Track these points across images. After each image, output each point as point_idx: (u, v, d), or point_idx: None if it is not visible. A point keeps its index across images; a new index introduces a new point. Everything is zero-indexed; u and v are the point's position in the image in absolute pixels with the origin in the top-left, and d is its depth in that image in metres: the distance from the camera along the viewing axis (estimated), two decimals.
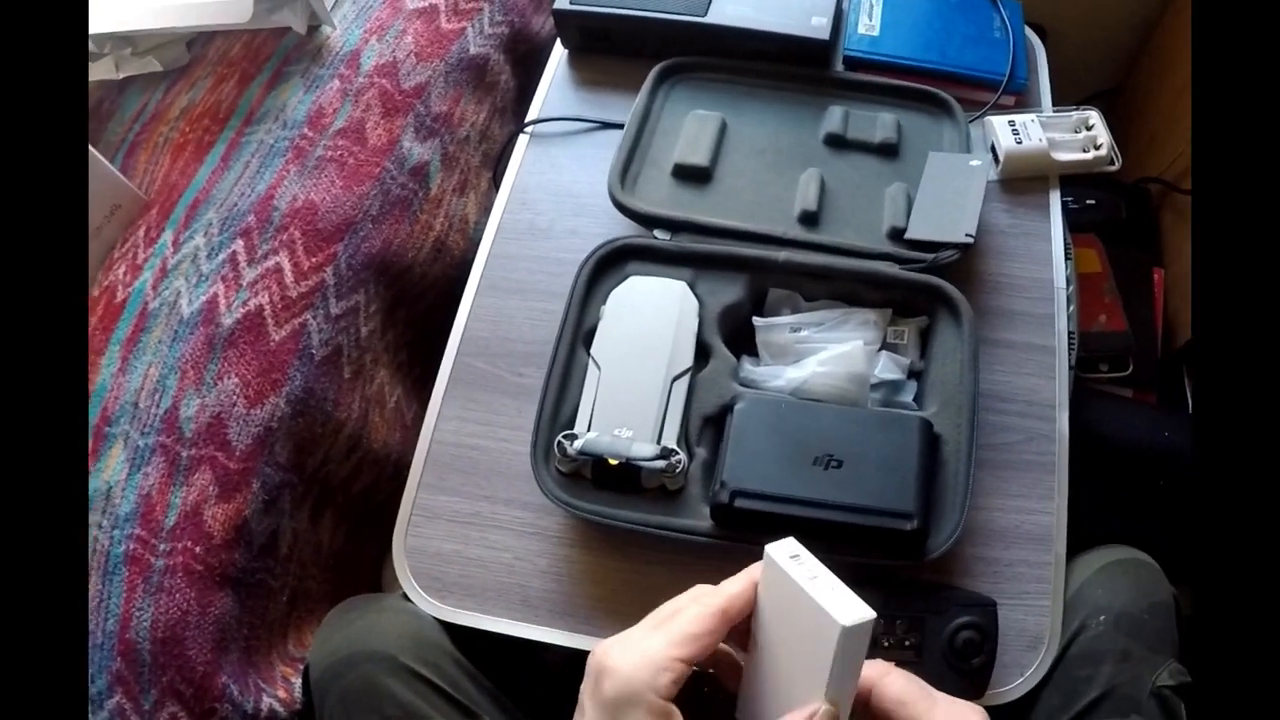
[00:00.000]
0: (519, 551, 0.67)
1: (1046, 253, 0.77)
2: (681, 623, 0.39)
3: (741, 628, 0.42)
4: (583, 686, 0.40)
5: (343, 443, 0.77)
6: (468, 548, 0.68)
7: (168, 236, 0.78)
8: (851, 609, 0.36)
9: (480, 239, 0.81)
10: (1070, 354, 0.74)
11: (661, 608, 0.43)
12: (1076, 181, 0.88)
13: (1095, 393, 0.91)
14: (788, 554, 0.39)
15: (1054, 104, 0.87)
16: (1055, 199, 0.80)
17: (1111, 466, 0.82)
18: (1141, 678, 0.61)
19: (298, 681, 0.69)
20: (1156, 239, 1.05)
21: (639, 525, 0.61)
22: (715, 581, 0.44)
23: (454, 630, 0.65)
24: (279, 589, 0.72)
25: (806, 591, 0.37)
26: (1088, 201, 1.03)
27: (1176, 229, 1.02)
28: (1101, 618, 0.63)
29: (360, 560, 0.86)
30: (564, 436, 0.62)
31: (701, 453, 0.63)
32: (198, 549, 0.64)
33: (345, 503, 0.80)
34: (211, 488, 0.66)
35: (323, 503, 0.77)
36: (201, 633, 0.63)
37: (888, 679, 0.40)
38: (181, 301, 0.73)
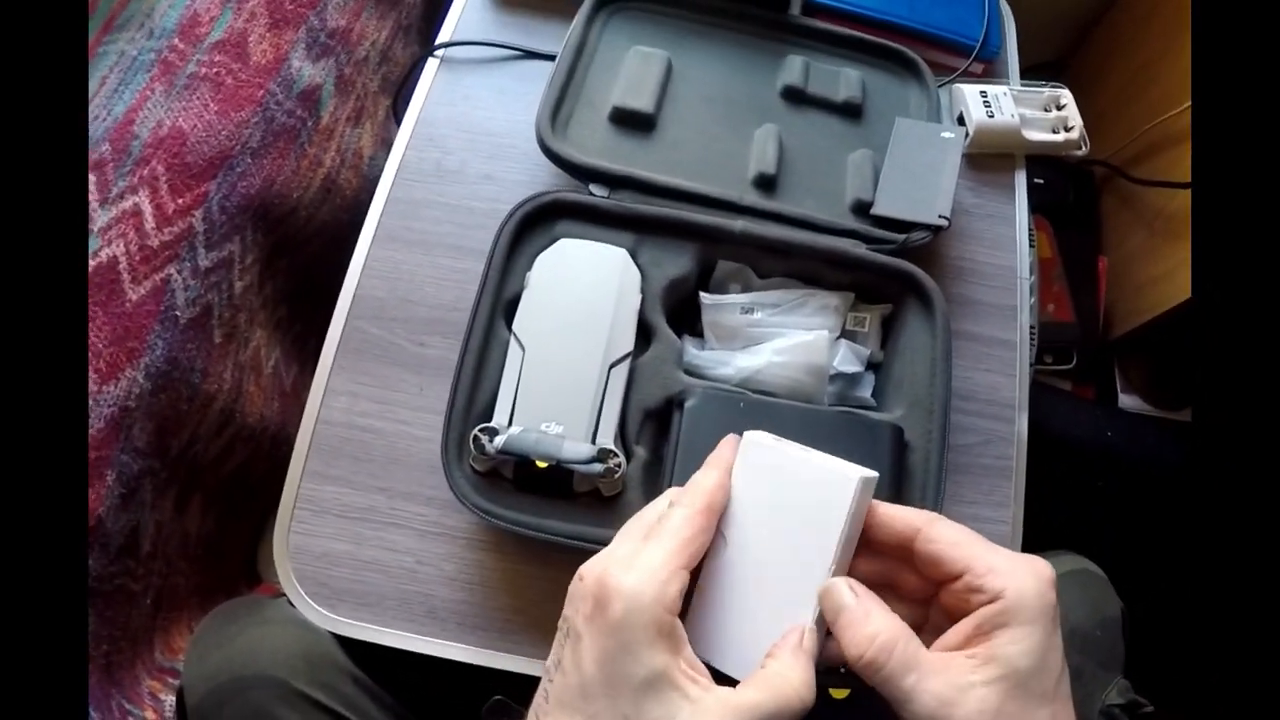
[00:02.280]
0: (422, 555, 0.59)
1: (1011, 238, 0.72)
2: (675, 528, 0.37)
3: None
4: (574, 611, 0.36)
5: (213, 419, 0.66)
6: (361, 548, 0.59)
7: None
8: (858, 468, 0.35)
9: (376, 177, 0.69)
10: (1030, 350, 0.69)
11: (638, 518, 0.40)
12: (1027, 159, 0.83)
13: (1038, 385, 0.88)
14: (769, 438, 0.38)
15: None
16: (1021, 180, 0.75)
17: (1053, 463, 0.79)
18: (1092, 696, 0.60)
19: (167, 699, 0.61)
20: (1098, 224, 1.02)
21: (573, 539, 0.52)
22: None
23: (349, 640, 0.57)
24: (141, 592, 0.63)
25: (808, 460, 0.36)
26: (1035, 180, 0.98)
27: (1120, 216, 0.99)
28: None
29: (233, 546, 0.76)
30: (481, 430, 0.53)
31: (641, 452, 0.55)
32: None
33: (215, 485, 0.70)
34: None
35: (190, 488, 0.66)
36: None
37: (937, 523, 0.37)
38: None
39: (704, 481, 0.39)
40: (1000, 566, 0.35)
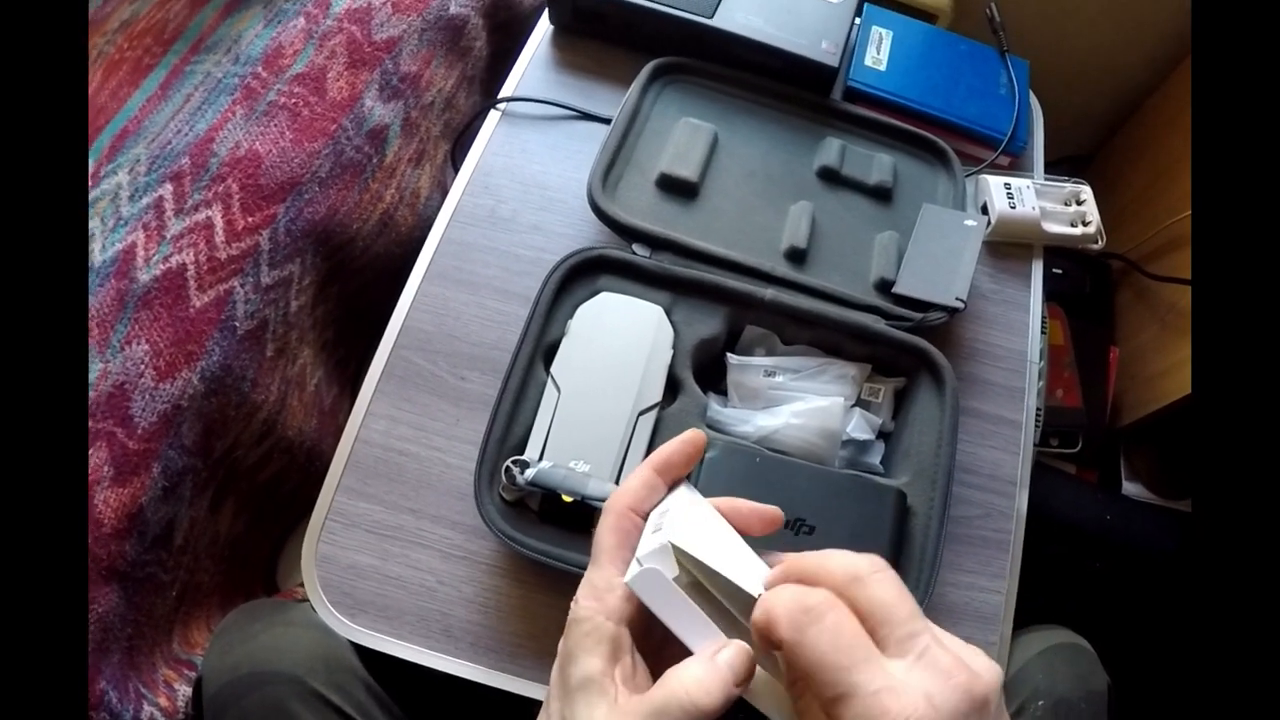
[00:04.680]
0: (444, 575, 0.62)
1: (1023, 323, 0.76)
2: (602, 542, 0.39)
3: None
4: None
5: (256, 427, 0.69)
6: (387, 564, 0.62)
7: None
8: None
9: (430, 216, 0.73)
10: (1035, 431, 0.72)
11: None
12: (1047, 249, 0.88)
13: (1042, 466, 0.91)
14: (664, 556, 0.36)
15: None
16: (1038, 270, 0.78)
17: (1052, 541, 0.82)
18: None
19: (181, 688, 0.63)
20: (1112, 315, 1.06)
21: None
22: None
23: (365, 650, 0.60)
24: (169, 583, 0.65)
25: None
26: (1054, 270, 1.02)
27: (1134, 309, 1.03)
28: (1040, 702, 0.63)
29: (256, 550, 0.79)
30: (513, 462, 0.57)
31: None
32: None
33: (249, 491, 0.73)
34: (106, 468, 0.58)
35: (225, 490, 0.70)
36: None
37: (876, 576, 0.34)
38: (94, 245, 0.64)
39: (624, 484, 0.40)
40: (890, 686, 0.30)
